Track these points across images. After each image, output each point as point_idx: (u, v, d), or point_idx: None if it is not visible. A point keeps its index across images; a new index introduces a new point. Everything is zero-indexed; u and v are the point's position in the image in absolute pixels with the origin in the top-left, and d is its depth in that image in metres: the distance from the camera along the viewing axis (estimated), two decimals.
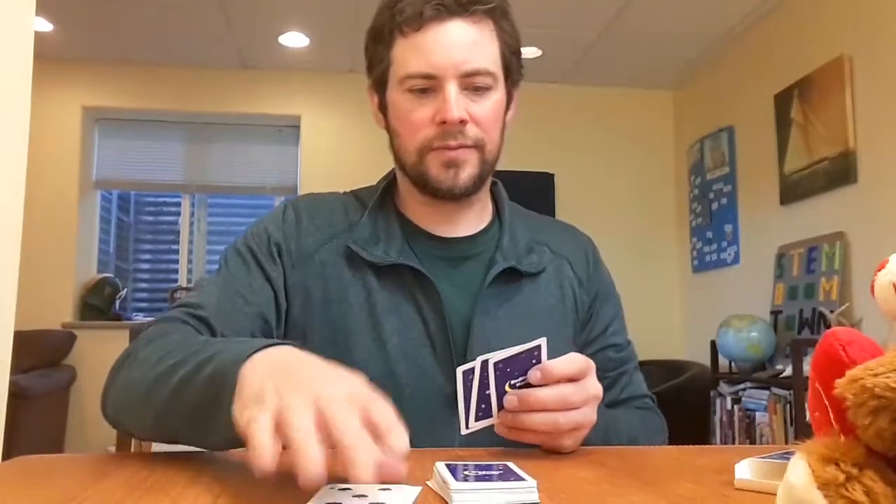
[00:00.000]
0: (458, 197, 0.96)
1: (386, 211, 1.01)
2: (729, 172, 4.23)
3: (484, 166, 0.96)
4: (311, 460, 0.50)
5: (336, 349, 0.91)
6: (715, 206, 4.36)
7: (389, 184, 1.05)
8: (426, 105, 0.92)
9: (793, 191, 3.60)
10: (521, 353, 0.75)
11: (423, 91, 0.92)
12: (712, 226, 4.39)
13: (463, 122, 0.91)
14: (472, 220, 1.03)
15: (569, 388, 0.75)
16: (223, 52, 4.46)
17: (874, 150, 3.09)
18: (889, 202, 3.00)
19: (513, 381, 0.75)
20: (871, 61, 3.12)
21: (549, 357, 0.77)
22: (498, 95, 0.96)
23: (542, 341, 0.75)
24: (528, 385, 0.75)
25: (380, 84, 0.98)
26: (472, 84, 0.92)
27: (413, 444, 0.74)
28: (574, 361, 0.76)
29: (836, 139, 3.26)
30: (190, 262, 4.85)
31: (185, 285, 4.77)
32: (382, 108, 0.99)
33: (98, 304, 4.51)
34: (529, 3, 3.78)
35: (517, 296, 0.99)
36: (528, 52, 4.43)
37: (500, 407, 0.76)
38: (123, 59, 4.55)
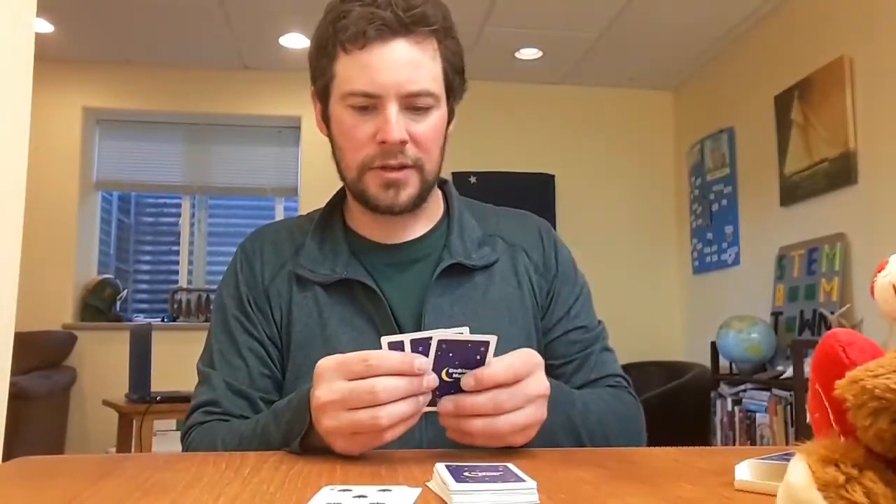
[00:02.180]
0: (397, 214, 0.98)
1: (332, 228, 1.05)
2: (729, 173, 4.23)
3: (424, 185, 0.98)
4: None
5: (303, 367, 0.96)
6: (715, 207, 4.36)
7: (338, 200, 1.09)
8: (367, 123, 0.93)
9: (793, 192, 3.60)
10: (469, 342, 0.74)
11: (365, 108, 0.93)
12: (713, 227, 4.39)
13: (403, 142, 0.93)
14: (420, 224, 1.05)
15: (503, 393, 0.75)
16: (224, 54, 4.46)
17: (874, 151, 3.09)
18: (889, 203, 3.00)
19: (450, 370, 0.75)
20: (871, 62, 3.12)
21: (501, 352, 0.77)
22: (439, 114, 0.97)
23: (493, 339, 0.75)
24: (461, 377, 0.75)
25: (323, 94, 0.99)
26: (414, 104, 0.93)
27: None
28: (510, 367, 0.76)
29: (837, 140, 3.26)
30: (190, 263, 4.86)
31: (185, 286, 4.77)
32: (325, 117, 1.01)
33: (98, 305, 4.51)
34: (529, 4, 3.79)
35: (471, 290, 1.00)
36: (529, 53, 4.43)
37: (434, 394, 0.75)
38: (124, 60, 4.55)
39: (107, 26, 4.12)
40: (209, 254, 4.90)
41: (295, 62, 4.47)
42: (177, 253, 4.89)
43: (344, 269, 0.99)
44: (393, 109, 0.92)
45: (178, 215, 4.90)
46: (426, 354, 0.73)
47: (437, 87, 0.96)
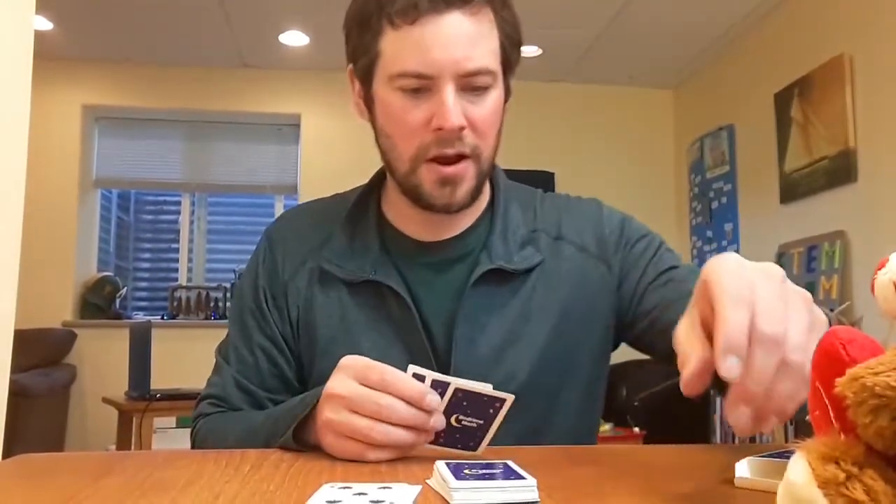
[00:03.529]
0: (453, 212, 0.90)
1: (365, 218, 0.96)
2: (729, 171, 4.23)
3: (480, 176, 0.89)
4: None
5: (327, 373, 0.92)
6: (715, 204, 4.36)
7: (377, 182, 1.00)
8: (420, 107, 0.84)
9: (793, 189, 3.60)
10: (485, 396, 0.71)
11: (417, 90, 0.83)
12: (712, 224, 4.39)
13: (461, 128, 0.83)
14: (464, 219, 0.95)
15: (756, 352, 0.48)
16: (223, 51, 4.46)
17: (874, 148, 3.09)
18: (889, 201, 3.00)
19: (460, 417, 0.72)
20: (871, 60, 3.12)
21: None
22: (497, 93, 0.88)
23: (509, 399, 0.70)
24: (470, 426, 0.73)
25: (365, 75, 0.89)
26: (471, 84, 0.84)
27: None
28: (735, 304, 0.50)
29: (837, 138, 3.26)
30: (190, 260, 4.86)
31: (184, 284, 4.78)
32: (367, 100, 0.91)
33: (98, 303, 4.52)
34: (530, 2, 3.78)
35: (510, 298, 0.91)
36: (529, 51, 4.43)
37: (438, 436, 0.73)
38: (123, 57, 4.55)
39: (106, 24, 4.12)
40: (209, 251, 4.90)
41: (295, 60, 4.48)
42: (176, 251, 4.89)
43: (373, 270, 0.91)
44: (449, 91, 0.82)
45: (178, 213, 4.90)
46: (442, 396, 0.71)
47: (495, 63, 0.86)
